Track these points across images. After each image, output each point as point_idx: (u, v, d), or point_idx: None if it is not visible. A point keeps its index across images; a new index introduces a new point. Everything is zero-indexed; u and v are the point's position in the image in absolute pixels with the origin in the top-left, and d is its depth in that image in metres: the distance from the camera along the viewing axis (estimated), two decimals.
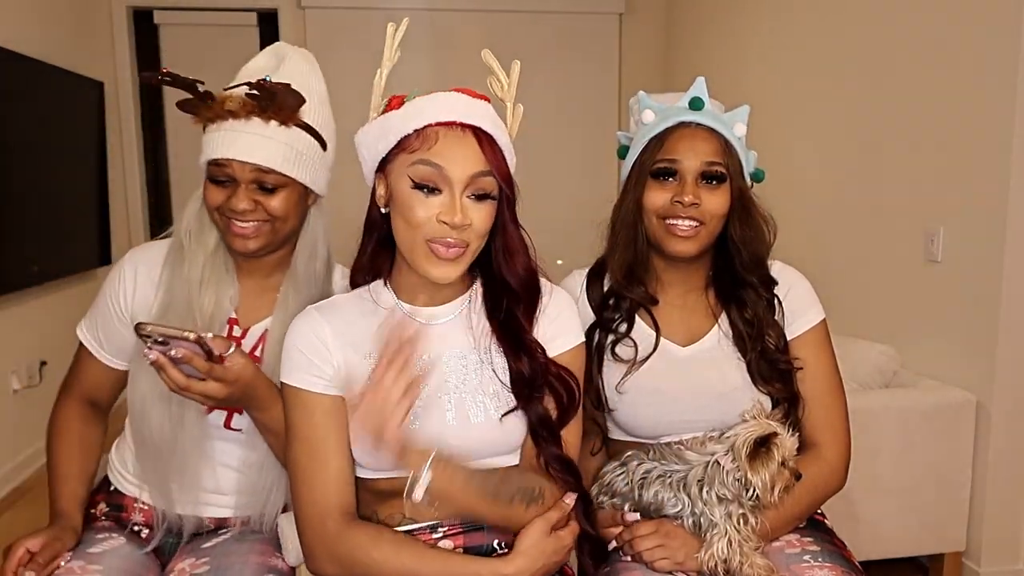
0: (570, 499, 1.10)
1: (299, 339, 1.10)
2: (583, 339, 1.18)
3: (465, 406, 1.10)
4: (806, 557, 1.17)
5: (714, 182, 1.22)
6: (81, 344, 1.34)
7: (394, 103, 1.09)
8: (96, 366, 1.33)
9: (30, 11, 3.35)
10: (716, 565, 1.12)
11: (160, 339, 1.03)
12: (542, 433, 1.11)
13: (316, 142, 1.23)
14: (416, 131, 1.05)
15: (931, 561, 2.38)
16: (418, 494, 0.97)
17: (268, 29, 4.33)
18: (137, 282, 1.27)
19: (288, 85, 1.17)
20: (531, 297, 1.14)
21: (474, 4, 4.33)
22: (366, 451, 1.06)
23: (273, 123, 1.19)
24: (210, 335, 1.08)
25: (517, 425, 1.11)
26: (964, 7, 2.24)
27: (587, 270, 1.35)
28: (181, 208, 1.28)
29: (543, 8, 4.41)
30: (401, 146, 1.06)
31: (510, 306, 1.13)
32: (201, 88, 1.18)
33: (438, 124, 1.04)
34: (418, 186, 1.04)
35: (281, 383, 1.12)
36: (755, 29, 3.48)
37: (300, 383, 1.09)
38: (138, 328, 1.03)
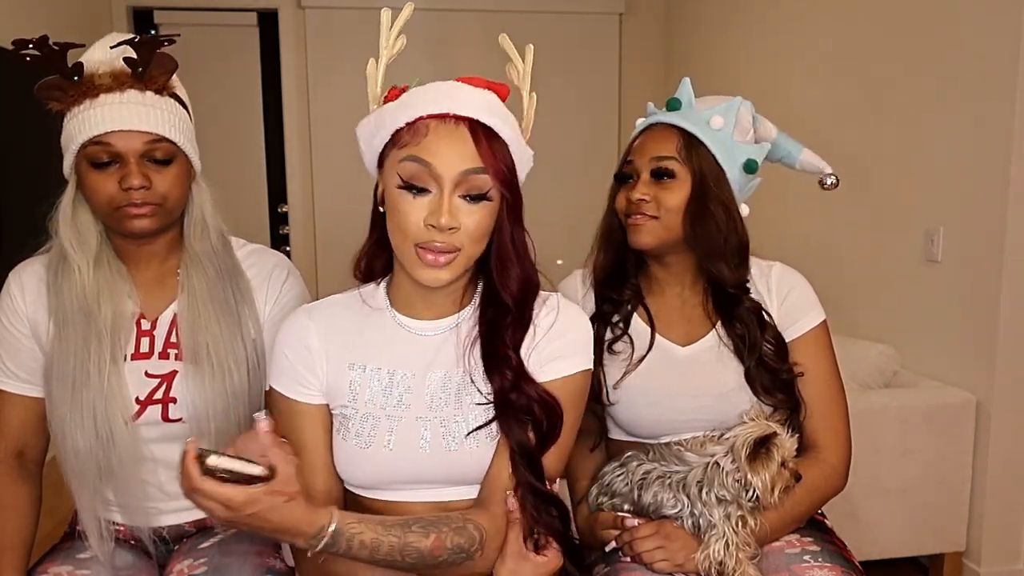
0: (511, 503, 1.01)
1: (286, 344, 1.08)
2: (590, 366, 1.09)
3: (441, 432, 1.04)
4: (806, 557, 1.17)
5: (664, 178, 1.24)
6: None
7: (392, 94, 1.02)
8: (14, 403, 1.21)
9: (30, 11, 3.35)
10: (711, 567, 1.12)
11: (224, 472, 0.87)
12: (523, 463, 1.02)
13: (187, 114, 1.18)
14: (408, 124, 0.97)
15: (931, 561, 2.38)
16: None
17: (268, 29, 4.30)
18: (26, 300, 1.20)
19: (160, 46, 1.10)
20: (522, 313, 1.05)
21: (474, 4, 4.32)
22: (350, 465, 1.05)
23: (149, 93, 1.12)
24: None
25: (490, 449, 1.04)
26: (964, 6, 2.24)
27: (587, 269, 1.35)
28: (53, 218, 1.18)
29: (543, 8, 4.40)
30: (394, 140, 0.99)
31: (498, 319, 1.05)
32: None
33: (430, 116, 0.96)
34: (406, 186, 0.96)
35: (269, 387, 1.10)
36: (755, 29, 3.47)
37: (287, 391, 1.07)
38: (201, 458, 0.87)
